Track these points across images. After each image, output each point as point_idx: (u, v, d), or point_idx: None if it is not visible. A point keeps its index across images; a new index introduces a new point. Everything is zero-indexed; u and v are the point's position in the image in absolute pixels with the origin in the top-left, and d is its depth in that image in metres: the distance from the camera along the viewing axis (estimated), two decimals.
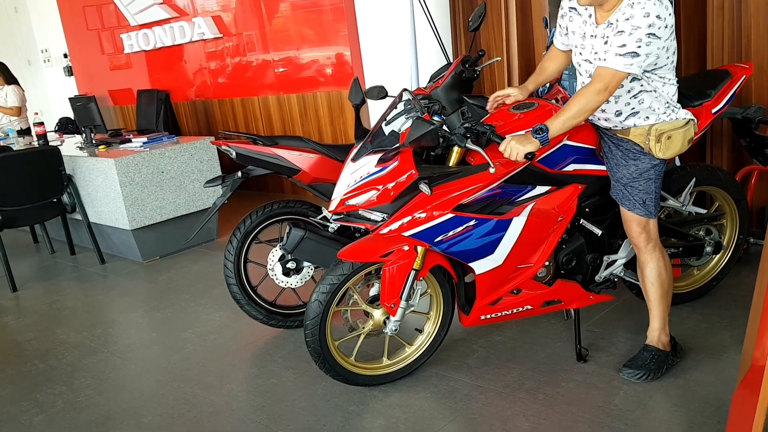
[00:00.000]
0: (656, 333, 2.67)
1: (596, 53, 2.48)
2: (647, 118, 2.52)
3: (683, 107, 2.59)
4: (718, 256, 3.17)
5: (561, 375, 2.72)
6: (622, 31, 2.30)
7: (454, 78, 2.86)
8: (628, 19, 2.29)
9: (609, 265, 2.83)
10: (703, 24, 3.77)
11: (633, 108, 2.52)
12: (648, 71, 2.43)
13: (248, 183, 3.40)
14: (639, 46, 2.27)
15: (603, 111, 2.55)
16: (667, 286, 2.65)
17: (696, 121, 2.62)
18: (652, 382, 2.57)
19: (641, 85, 2.47)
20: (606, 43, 2.40)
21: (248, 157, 3.23)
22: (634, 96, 2.49)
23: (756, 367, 1.81)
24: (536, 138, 2.34)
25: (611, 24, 2.38)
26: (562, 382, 2.67)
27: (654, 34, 2.27)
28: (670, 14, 2.30)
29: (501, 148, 2.40)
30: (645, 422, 2.36)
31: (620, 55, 2.29)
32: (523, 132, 2.49)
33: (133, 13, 7.40)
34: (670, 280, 2.67)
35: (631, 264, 2.84)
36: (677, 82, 2.56)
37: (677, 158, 3.16)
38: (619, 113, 2.54)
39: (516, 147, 2.34)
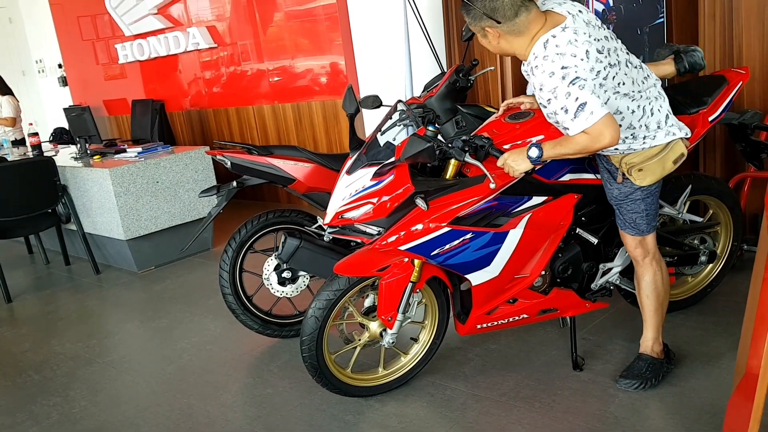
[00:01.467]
0: (649, 343, 2.66)
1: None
2: (615, 149, 2.41)
3: (681, 114, 2.54)
4: (712, 264, 3.18)
5: (557, 383, 2.73)
6: (550, 99, 2.22)
7: (448, 87, 2.87)
8: (541, 89, 2.23)
9: (605, 273, 2.84)
10: (695, 31, 3.79)
11: None
12: None
13: (243, 192, 3.41)
14: (577, 98, 2.15)
15: None
16: (662, 299, 2.63)
17: (685, 136, 2.47)
18: (648, 390, 2.58)
19: None
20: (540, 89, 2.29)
21: (243, 167, 3.23)
22: None
23: (750, 375, 1.82)
24: (529, 157, 2.31)
25: (526, 71, 2.38)
26: (558, 390, 2.67)
27: (578, 78, 2.15)
28: (582, 59, 2.16)
29: (499, 164, 2.41)
30: (641, 430, 2.36)
31: (573, 119, 2.18)
32: (520, 142, 2.50)
33: (128, 24, 7.42)
34: (666, 293, 2.64)
35: (627, 272, 2.84)
36: (652, 102, 2.42)
37: None
38: None
39: (512, 166, 2.37)
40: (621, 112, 2.35)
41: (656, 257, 2.60)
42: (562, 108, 2.20)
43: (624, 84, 2.33)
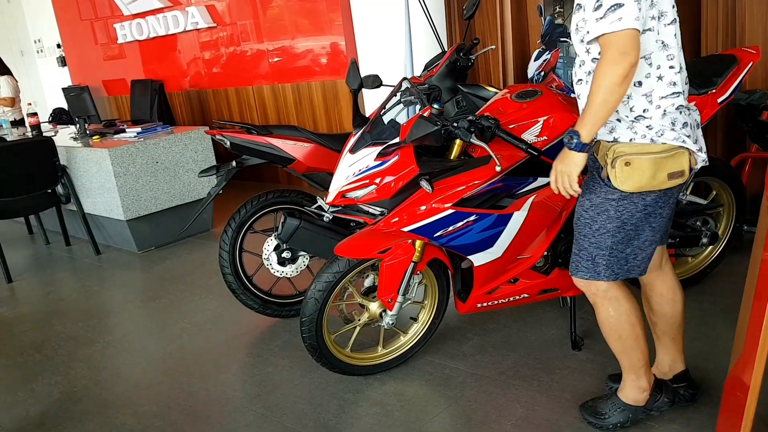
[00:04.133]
0: (624, 385, 2.27)
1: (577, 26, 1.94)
2: (611, 130, 1.93)
3: (689, 94, 2.02)
4: (713, 245, 3.17)
5: (555, 362, 2.74)
6: (582, 5, 1.83)
7: (449, 66, 2.86)
8: None
9: None
10: (697, 10, 3.76)
11: None
12: None
13: (243, 173, 3.40)
14: None
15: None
16: (627, 340, 2.15)
17: (694, 151, 1.93)
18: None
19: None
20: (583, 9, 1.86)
21: (243, 147, 3.22)
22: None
23: (747, 354, 1.82)
24: (572, 150, 1.88)
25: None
26: (556, 370, 2.68)
27: None
28: None
29: (552, 186, 2.00)
30: None
31: (600, 18, 1.73)
32: (526, 122, 2.46)
33: (127, 3, 7.36)
34: (633, 330, 2.13)
35: None
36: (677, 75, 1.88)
37: None
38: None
39: (566, 174, 1.93)
40: (660, 66, 1.85)
41: (609, 294, 2.12)
42: (595, 4, 1.74)
43: (674, 25, 1.86)
